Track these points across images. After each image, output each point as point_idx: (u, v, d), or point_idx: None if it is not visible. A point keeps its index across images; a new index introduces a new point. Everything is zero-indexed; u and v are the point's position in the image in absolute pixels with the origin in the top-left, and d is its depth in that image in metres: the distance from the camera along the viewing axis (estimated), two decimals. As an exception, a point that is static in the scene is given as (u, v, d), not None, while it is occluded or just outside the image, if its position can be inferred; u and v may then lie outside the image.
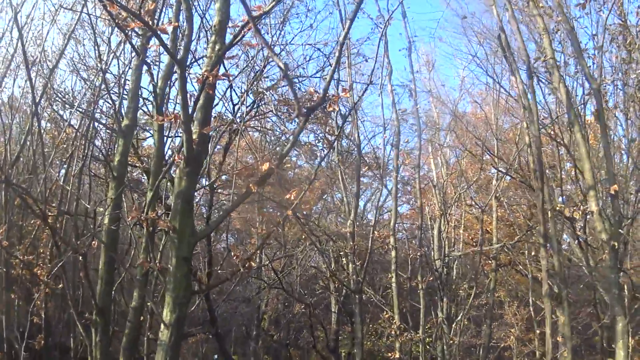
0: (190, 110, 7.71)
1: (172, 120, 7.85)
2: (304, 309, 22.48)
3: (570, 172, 17.22)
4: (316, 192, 26.19)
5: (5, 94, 16.03)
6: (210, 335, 18.99)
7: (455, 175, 24.10)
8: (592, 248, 14.93)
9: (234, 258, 8.60)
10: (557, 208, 12.04)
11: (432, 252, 21.68)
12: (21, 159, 14.99)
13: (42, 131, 16.49)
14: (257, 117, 16.96)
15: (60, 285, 13.02)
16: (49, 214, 11.40)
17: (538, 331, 20.34)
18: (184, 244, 7.90)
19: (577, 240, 15.09)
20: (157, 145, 11.02)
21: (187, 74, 8.13)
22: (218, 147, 16.94)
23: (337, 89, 15.71)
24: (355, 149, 19.61)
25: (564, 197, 17.40)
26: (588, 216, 14.14)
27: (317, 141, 20.75)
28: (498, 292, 23.99)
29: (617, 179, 13.84)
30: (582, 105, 14.99)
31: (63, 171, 15.66)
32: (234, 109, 14.33)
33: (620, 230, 10.69)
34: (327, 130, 19.08)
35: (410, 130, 24.26)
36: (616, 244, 10.20)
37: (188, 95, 7.78)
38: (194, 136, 7.83)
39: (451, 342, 19.51)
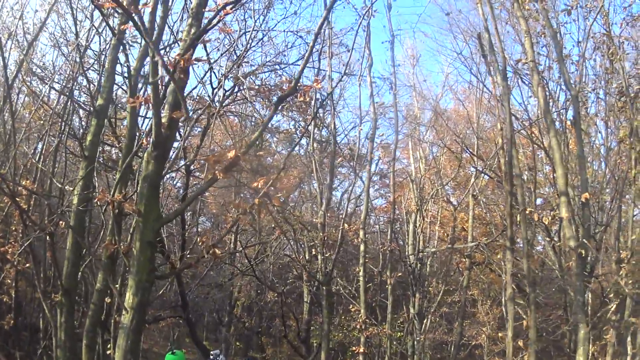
0: (161, 94, 7.60)
1: (144, 102, 7.74)
2: (276, 297, 22.44)
3: (549, 175, 17.24)
4: (293, 181, 26.05)
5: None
6: (181, 320, 18.91)
7: (433, 171, 24.09)
8: (564, 252, 14.98)
9: (199, 244, 8.53)
10: (527, 212, 12.00)
11: (407, 247, 21.65)
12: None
13: (21, 106, 16.27)
14: (237, 102, 16.85)
15: (28, 265, 12.88)
16: (22, 191, 11.26)
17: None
18: (148, 229, 7.82)
19: (551, 244, 15.14)
20: (129, 126, 10.86)
21: (160, 57, 7.97)
22: (198, 129, 16.82)
23: (318, 77, 15.71)
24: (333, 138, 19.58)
25: (542, 199, 17.45)
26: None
27: (294, 129, 20.67)
28: (471, 290, 24.02)
29: (593, 185, 13.91)
30: (564, 110, 15.02)
31: (41, 145, 15.40)
32: (213, 92, 14.21)
33: (585, 240, 10.68)
34: (305, 119, 19.02)
35: (389, 123, 24.22)
36: (583, 252, 10.23)
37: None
38: (163, 120, 7.72)
39: (420, 338, 19.55)
